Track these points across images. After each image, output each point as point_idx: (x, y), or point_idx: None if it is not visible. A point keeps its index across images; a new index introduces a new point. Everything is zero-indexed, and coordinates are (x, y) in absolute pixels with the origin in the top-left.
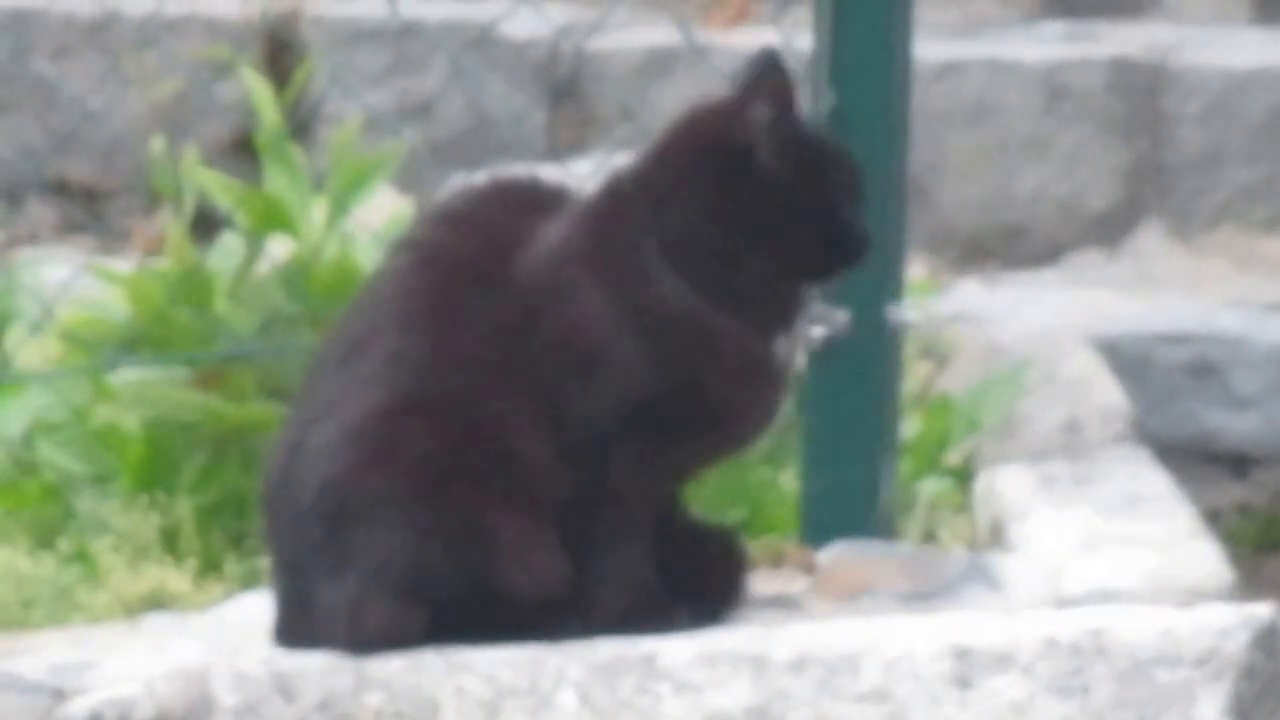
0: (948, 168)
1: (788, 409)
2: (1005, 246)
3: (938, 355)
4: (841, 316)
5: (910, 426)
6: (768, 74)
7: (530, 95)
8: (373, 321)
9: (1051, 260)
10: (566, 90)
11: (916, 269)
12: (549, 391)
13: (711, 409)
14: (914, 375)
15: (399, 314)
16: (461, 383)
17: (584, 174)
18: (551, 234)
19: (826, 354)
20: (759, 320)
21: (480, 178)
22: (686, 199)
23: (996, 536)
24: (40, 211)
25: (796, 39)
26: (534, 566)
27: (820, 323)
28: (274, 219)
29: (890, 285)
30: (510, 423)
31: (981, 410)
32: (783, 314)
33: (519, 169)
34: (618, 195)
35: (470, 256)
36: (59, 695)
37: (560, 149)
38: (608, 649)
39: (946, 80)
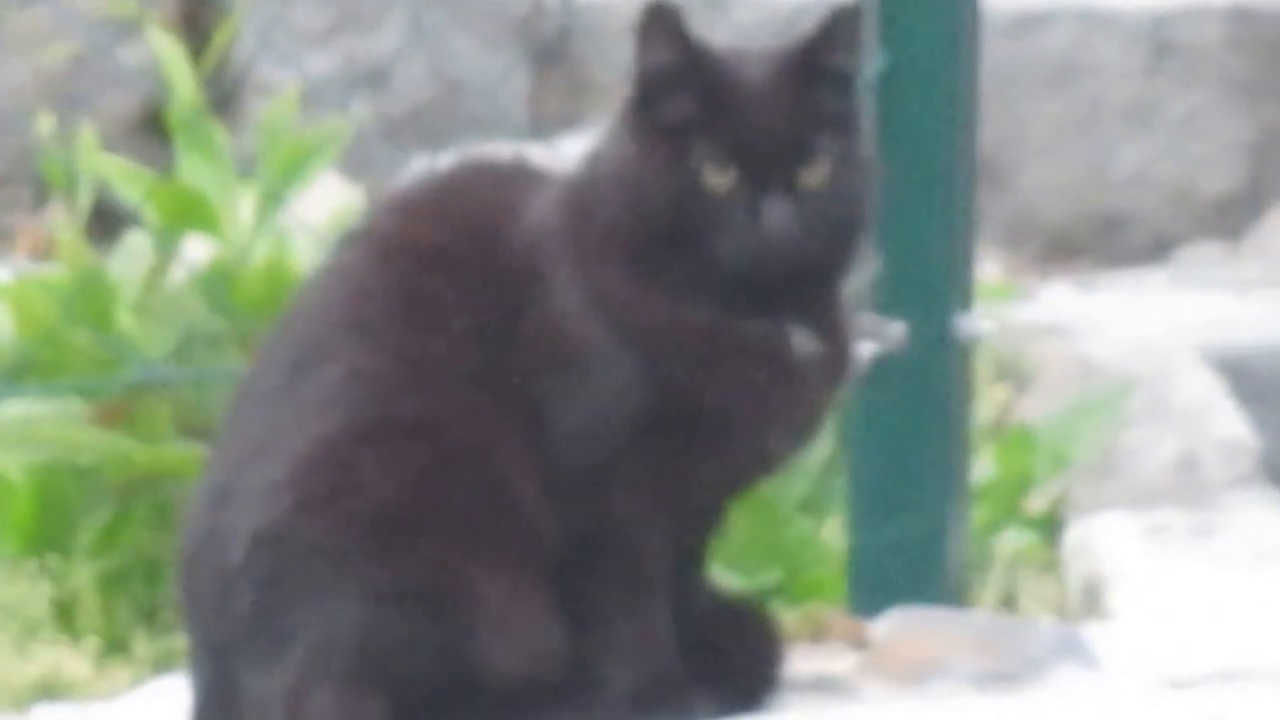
0: (1028, 143)
1: (826, 438)
2: (1101, 240)
3: (1018, 376)
4: (896, 328)
5: (984, 465)
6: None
7: (509, 57)
8: (317, 334)
9: (1159, 257)
10: (553, 51)
11: (990, 269)
12: (534, 406)
13: (718, 417)
14: (988, 400)
15: (351, 321)
16: (431, 401)
17: (577, 154)
18: (531, 217)
19: (878, 375)
20: (766, 309)
21: (447, 160)
22: None
23: (1092, 602)
24: None
25: None
26: (521, 637)
27: (870, 336)
28: (191, 214)
29: (957, 289)
30: (491, 449)
31: (1073, 444)
32: (799, 303)
33: (496, 148)
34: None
35: (436, 247)
36: None
37: (546, 122)
38: None
39: (1026, 34)
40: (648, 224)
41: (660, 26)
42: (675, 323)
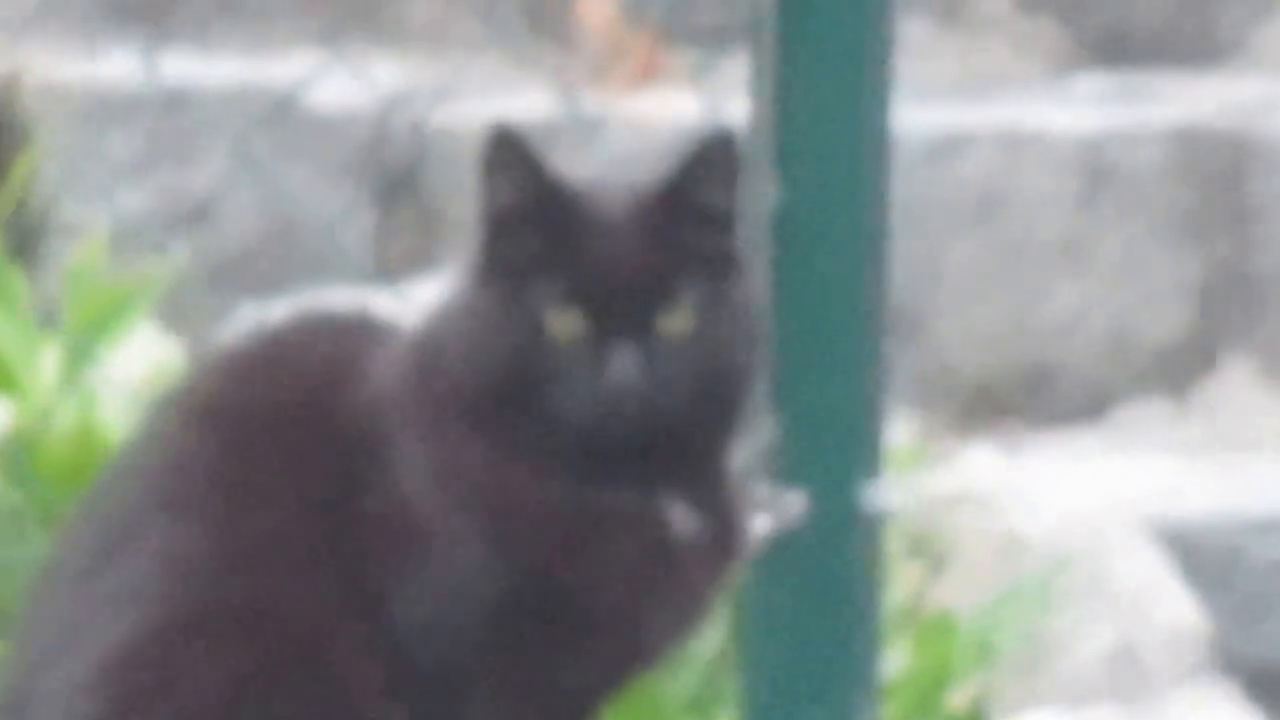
0: (946, 286)
1: (716, 627)
2: (1029, 397)
3: (934, 554)
4: (794, 501)
5: (897, 656)
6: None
7: (350, 190)
8: (129, 511)
9: (1095, 415)
10: (401, 183)
11: (902, 431)
12: (378, 594)
13: (586, 608)
14: (901, 582)
15: (167, 496)
16: (258, 589)
17: (428, 299)
18: (373, 378)
19: (774, 554)
20: (637, 481)
21: (280, 310)
22: None
23: None
24: None
25: (727, 104)
26: None
27: (765, 510)
28: None
29: (864, 455)
30: (329, 645)
31: (998, 632)
32: (676, 473)
33: (336, 295)
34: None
35: (266, 411)
36: None
37: (395, 263)
38: None
39: (943, 161)
40: (489, 380)
41: (507, 156)
42: (531, 498)
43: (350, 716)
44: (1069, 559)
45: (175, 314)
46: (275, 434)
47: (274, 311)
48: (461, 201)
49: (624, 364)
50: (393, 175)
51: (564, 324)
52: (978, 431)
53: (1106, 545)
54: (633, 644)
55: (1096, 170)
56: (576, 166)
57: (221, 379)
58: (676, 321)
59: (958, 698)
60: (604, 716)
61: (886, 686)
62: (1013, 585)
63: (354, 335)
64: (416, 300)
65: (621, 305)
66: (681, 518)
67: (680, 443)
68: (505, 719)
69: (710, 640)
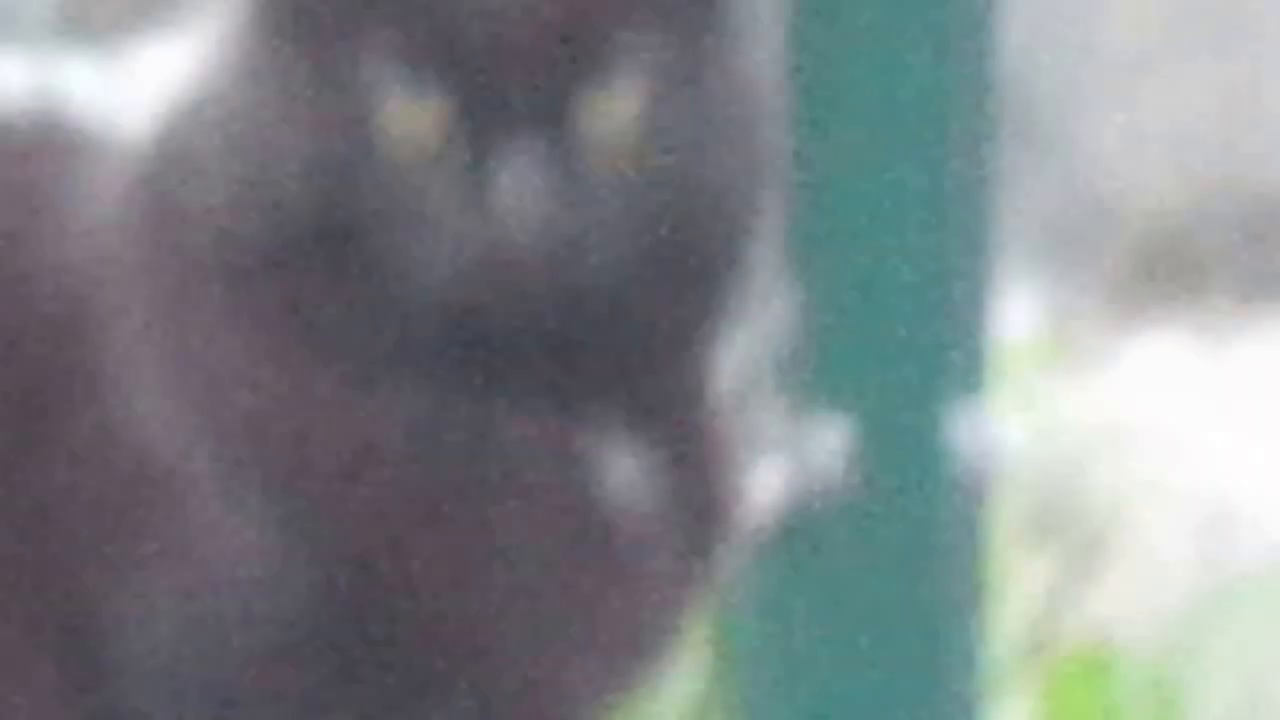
0: (1106, 68)
1: (693, 656)
2: (1243, 254)
3: (1082, 534)
4: (830, 439)
5: (1017, 712)
6: None
7: None
8: None
9: None
10: None
11: (1029, 315)
12: (77, 589)
13: (447, 624)
14: (1025, 585)
15: None
16: None
17: (167, 79)
18: (71, 224)
19: (797, 532)
20: (542, 400)
21: None
22: None
23: None
24: None
25: None
26: None
27: (778, 454)
28: None
29: (953, 361)
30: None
31: (1192, 671)
32: (612, 386)
33: (1, 71)
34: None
35: None
36: None
37: (99, 14)
38: None
39: None
40: (278, 220)
41: None
42: (350, 423)
43: None
44: None
45: None
46: None
47: None
48: None
49: (520, 185)
50: None
51: (414, 120)
52: (1154, 312)
53: None
54: (537, 699)
55: None
56: None
57: None
58: (612, 113)
59: None
60: None
61: None
62: (1220, 590)
63: (32, 145)
64: (141, 79)
65: (515, 86)
66: (623, 467)
67: (623, 332)
68: None
69: (680, 688)
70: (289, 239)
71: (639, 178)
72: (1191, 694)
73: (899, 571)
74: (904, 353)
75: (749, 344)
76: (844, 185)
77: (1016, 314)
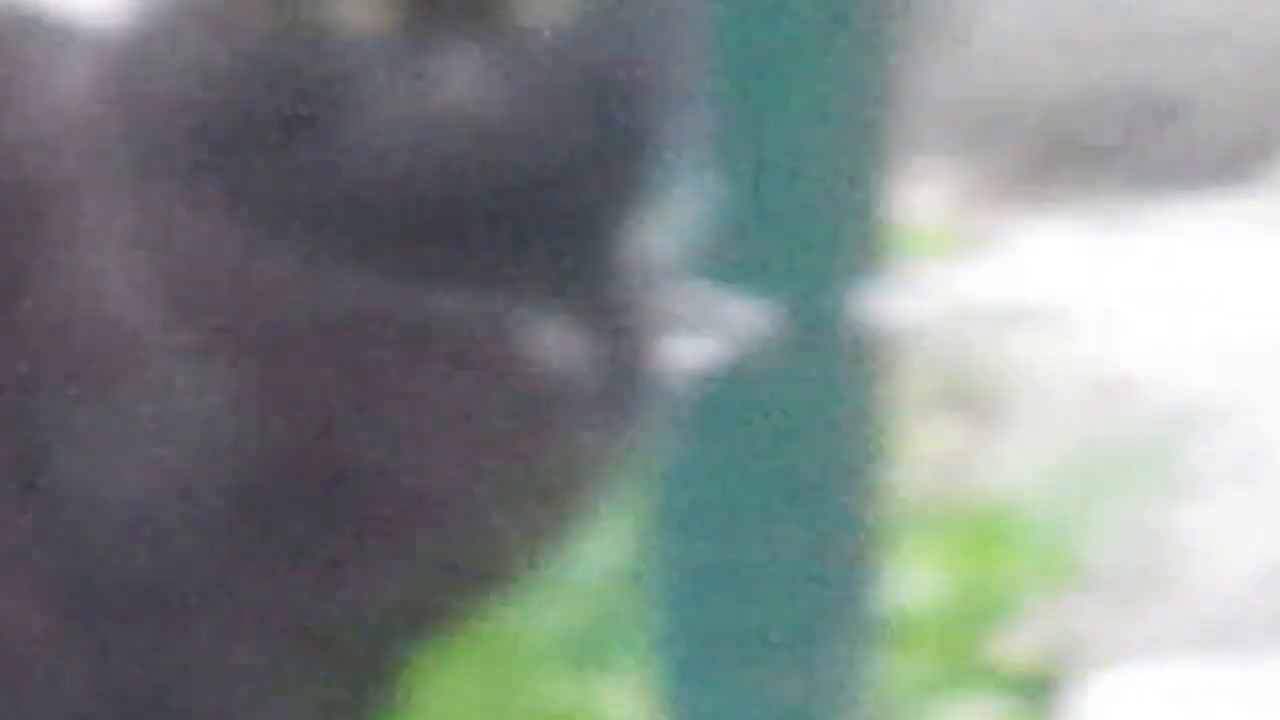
0: None
1: (611, 529)
2: (1134, 143)
3: (980, 404)
4: (743, 314)
5: (918, 572)
6: None
7: None
8: None
9: (1240, 175)
10: None
11: (929, 199)
12: (38, 455)
13: (386, 486)
14: (928, 450)
15: None
16: None
17: None
18: (40, 108)
19: (712, 403)
20: (475, 276)
21: None
22: None
23: None
24: None
25: None
26: None
27: (697, 328)
28: None
29: (858, 239)
30: None
31: (1083, 531)
32: (542, 263)
33: None
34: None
35: None
36: None
37: None
38: None
39: None
40: (228, 100)
41: None
42: (293, 298)
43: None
44: (1195, 414)
45: None
46: None
47: None
48: None
49: (452, 66)
50: None
51: (360, 6)
52: (1049, 199)
53: (1258, 393)
54: (461, 550)
55: None
56: None
57: None
58: (546, 5)
59: (1015, 641)
60: (422, 671)
61: (898, 623)
62: (1107, 455)
63: (6, 36)
64: None
65: None
66: (547, 336)
67: (549, 210)
68: (237, 665)
69: (600, 549)
70: (243, 120)
71: (567, 58)
72: (1081, 550)
73: (808, 435)
74: (816, 235)
75: (673, 229)
76: (759, 79)
77: (922, 201)
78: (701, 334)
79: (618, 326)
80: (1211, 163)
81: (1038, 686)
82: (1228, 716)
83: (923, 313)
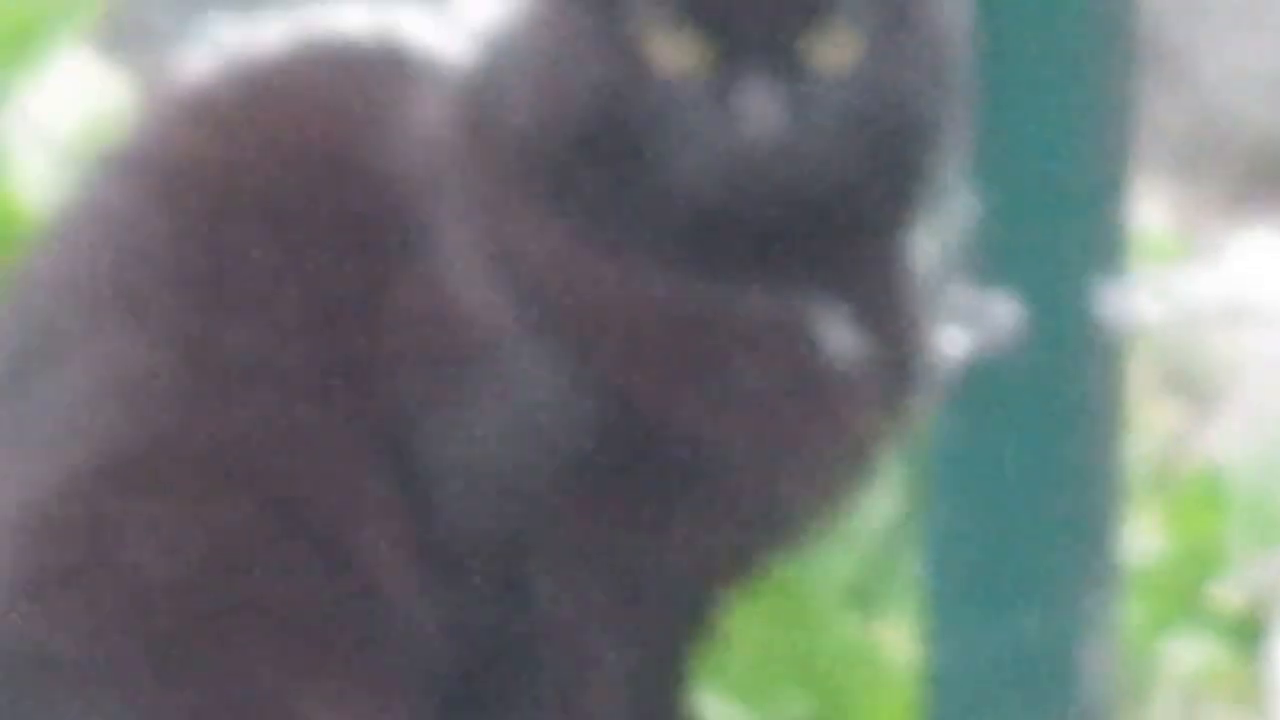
0: (1220, 7)
1: (888, 491)
2: None
3: (1200, 388)
4: (1003, 310)
5: (1146, 532)
6: None
7: None
8: (58, 311)
9: None
10: None
11: (1157, 212)
12: (405, 433)
13: (701, 455)
14: (1153, 427)
15: (112, 293)
16: (236, 423)
17: (485, 21)
18: (403, 133)
19: (975, 387)
20: (777, 277)
21: (271, 35)
22: None
23: None
24: None
25: None
26: None
27: (961, 323)
28: None
29: (1101, 247)
30: (333, 504)
31: None
32: (832, 268)
33: (352, 14)
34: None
35: (251, 177)
36: None
37: None
38: None
39: None
40: (568, 133)
41: None
42: (624, 298)
43: (363, 608)
44: None
45: (120, 38)
46: (263, 209)
47: (260, 36)
48: None
49: (760, 107)
50: None
51: (675, 52)
52: (1264, 213)
53: None
54: (765, 510)
55: None
56: None
57: (187, 131)
58: (836, 47)
59: (1231, 592)
60: (729, 612)
61: (1131, 575)
62: None
63: (377, 72)
64: (465, 22)
65: (757, 24)
66: (838, 331)
67: (839, 224)
68: (582, 609)
69: (879, 510)
70: (580, 146)
71: (855, 99)
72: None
73: (1055, 415)
74: (1063, 242)
75: (939, 236)
76: (1014, 107)
77: (1152, 212)
78: (965, 327)
79: (896, 321)
80: None
81: (1248, 629)
82: None
83: (1153, 310)
